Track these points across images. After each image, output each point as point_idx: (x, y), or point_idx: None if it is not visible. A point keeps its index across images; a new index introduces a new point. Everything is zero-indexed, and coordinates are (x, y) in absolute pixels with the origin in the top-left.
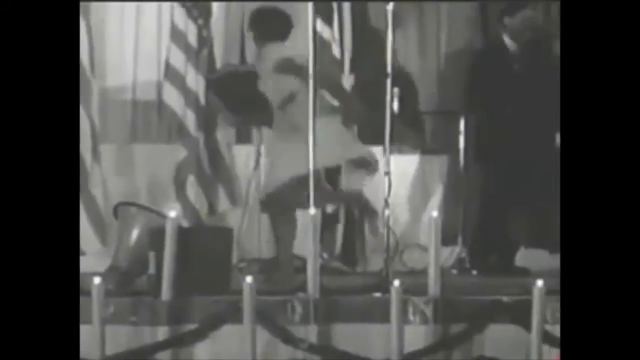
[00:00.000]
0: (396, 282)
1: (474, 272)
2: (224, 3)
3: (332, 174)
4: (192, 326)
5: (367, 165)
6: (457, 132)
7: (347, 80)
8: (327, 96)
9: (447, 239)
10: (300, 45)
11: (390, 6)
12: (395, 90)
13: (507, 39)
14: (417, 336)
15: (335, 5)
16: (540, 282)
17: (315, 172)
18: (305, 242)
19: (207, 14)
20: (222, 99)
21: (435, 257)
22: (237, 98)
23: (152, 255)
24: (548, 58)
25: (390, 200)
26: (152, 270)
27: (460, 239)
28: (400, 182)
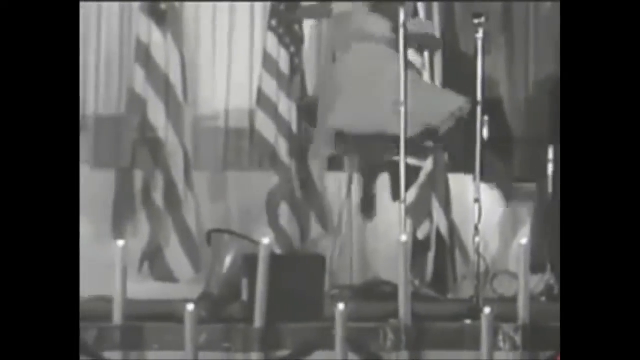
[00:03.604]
0: (487, 309)
1: None
2: (315, 30)
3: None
4: (284, 353)
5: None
6: (546, 160)
7: None
8: None
9: (536, 266)
10: None
11: (480, 34)
12: (485, 118)
13: None
14: None
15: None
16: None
17: None
18: (397, 269)
19: (298, 41)
20: (312, 125)
21: (524, 284)
22: None
23: (245, 282)
24: None
25: (480, 227)
26: (244, 297)
27: (549, 266)
28: (491, 209)
